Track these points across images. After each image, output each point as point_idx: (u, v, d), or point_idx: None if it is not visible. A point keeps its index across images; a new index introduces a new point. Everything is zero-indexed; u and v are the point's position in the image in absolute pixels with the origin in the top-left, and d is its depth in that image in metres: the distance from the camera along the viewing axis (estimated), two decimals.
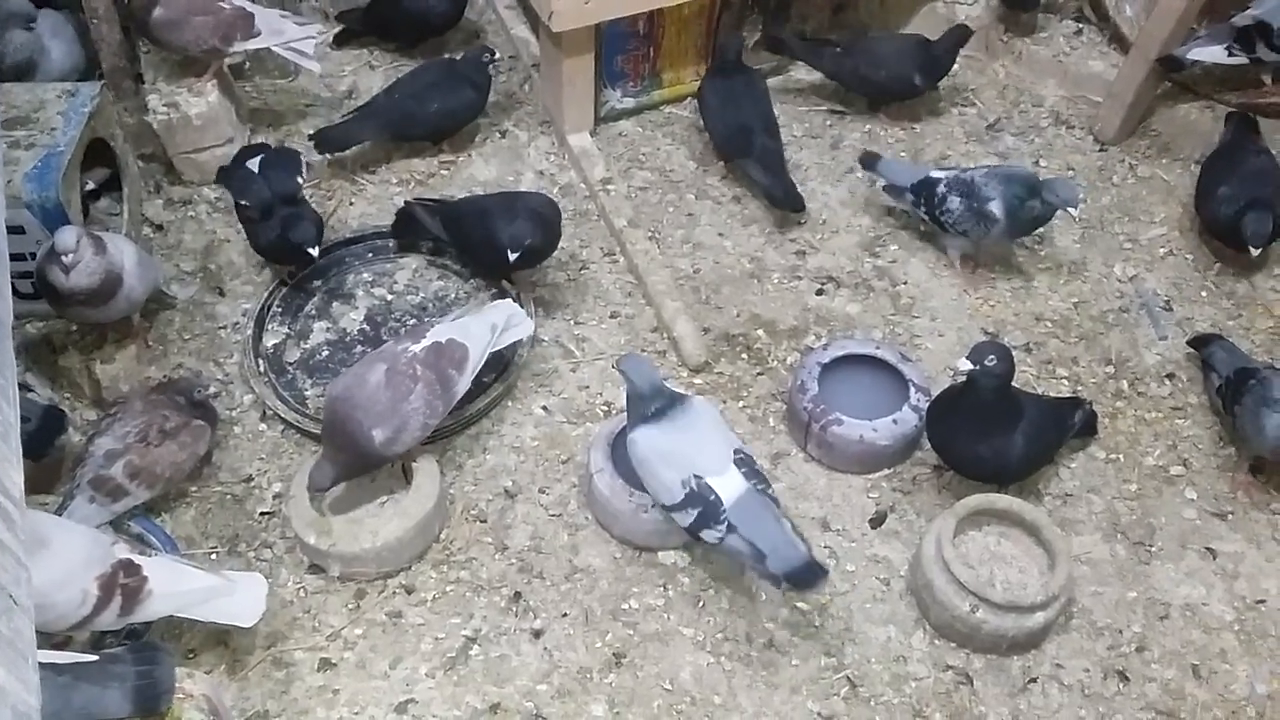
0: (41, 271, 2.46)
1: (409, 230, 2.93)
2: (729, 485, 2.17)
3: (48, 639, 2.03)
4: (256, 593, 2.12)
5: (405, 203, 2.92)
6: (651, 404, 2.23)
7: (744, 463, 2.21)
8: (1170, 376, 2.75)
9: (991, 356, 2.26)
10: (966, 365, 2.27)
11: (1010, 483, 2.43)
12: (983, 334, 2.83)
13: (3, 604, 1.01)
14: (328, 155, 3.18)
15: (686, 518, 2.18)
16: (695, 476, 2.17)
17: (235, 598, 2.08)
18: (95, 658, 1.67)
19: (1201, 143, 3.25)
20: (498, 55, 3.19)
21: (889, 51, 3.34)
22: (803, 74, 3.54)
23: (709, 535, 2.17)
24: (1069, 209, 2.74)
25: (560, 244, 2.79)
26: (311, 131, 3.17)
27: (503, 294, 2.83)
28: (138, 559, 2.02)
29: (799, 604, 2.32)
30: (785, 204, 3.05)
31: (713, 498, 2.15)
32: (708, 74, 3.25)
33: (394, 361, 2.34)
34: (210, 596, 2.07)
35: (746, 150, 3.08)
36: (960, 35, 3.30)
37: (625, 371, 2.26)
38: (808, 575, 2.12)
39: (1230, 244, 2.92)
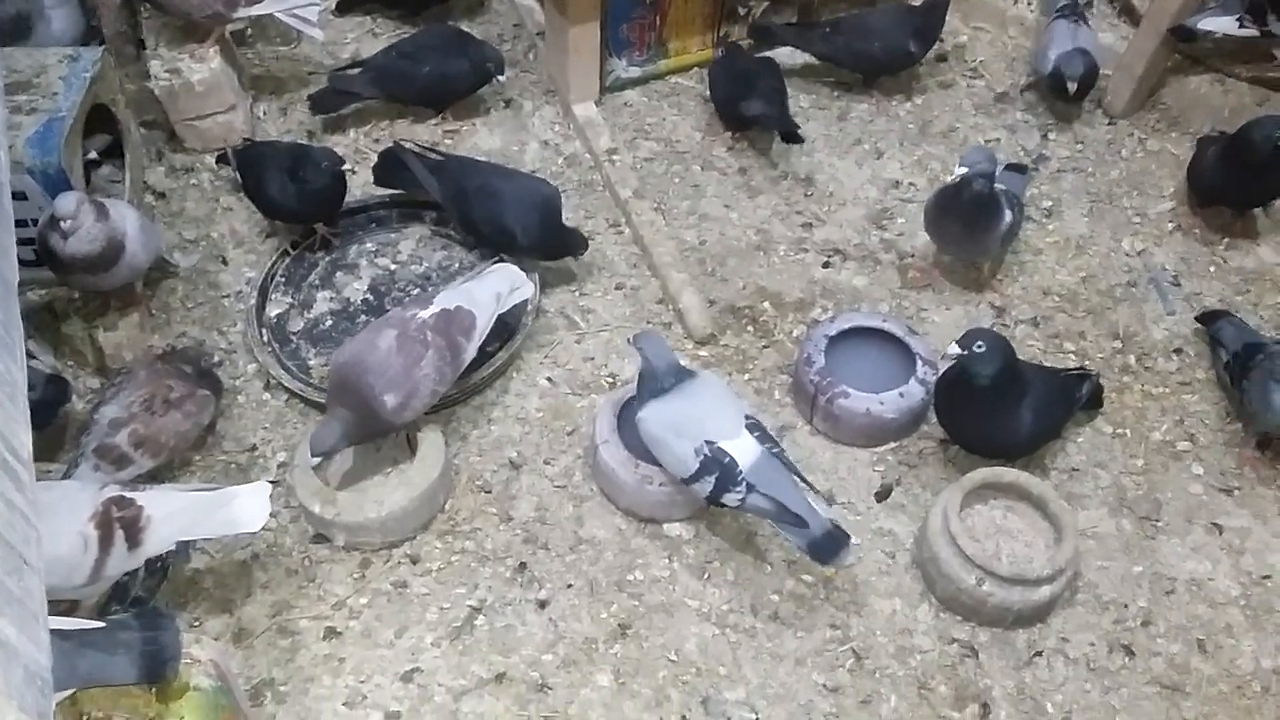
0: (43, 237, 2.44)
1: (393, 176, 2.88)
2: (743, 448, 2.17)
3: (55, 605, 2.03)
4: (258, 499, 2.06)
5: (394, 143, 2.88)
6: (663, 381, 2.23)
7: (755, 427, 2.21)
8: (1178, 351, 2.74)
9: (980, 343, 2.25)
10: (955, 350, 2.27)
11: (1018, 458, 2.42)
12: (990, 308, 2.81)
13: (13, 563, 1.00)
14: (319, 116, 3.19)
15: (705, 486, 2.17)
16: (708, 442, 2.16)
17: (236, 507, 2.05)
18: (103, 624, 1.67)
19: (1211, 116, 3.23)
20: (504, 77, 3.17)
21: (879, 23, 3.30)
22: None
23: (730, 499, 2.16)
24: None
25: (564, 215, 2.78)
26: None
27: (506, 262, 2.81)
28: (129, 493, 2.01)
29: (804, 576, 2.32)
30: (785, 136, 3.07)
31: (727, 460, 2.15)
32: (714, 62, 3.26)
33: (404, 327, 2.32)
34: (212, 510, 2.04)
35: (747, 93, 3.08)
36: None
37: (642, 349, 2.25)
38: (828, 544, 2.13)
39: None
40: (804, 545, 2.16)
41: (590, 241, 2.86)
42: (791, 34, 3.36)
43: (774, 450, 2.20)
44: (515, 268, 2.63)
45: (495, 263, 2.71)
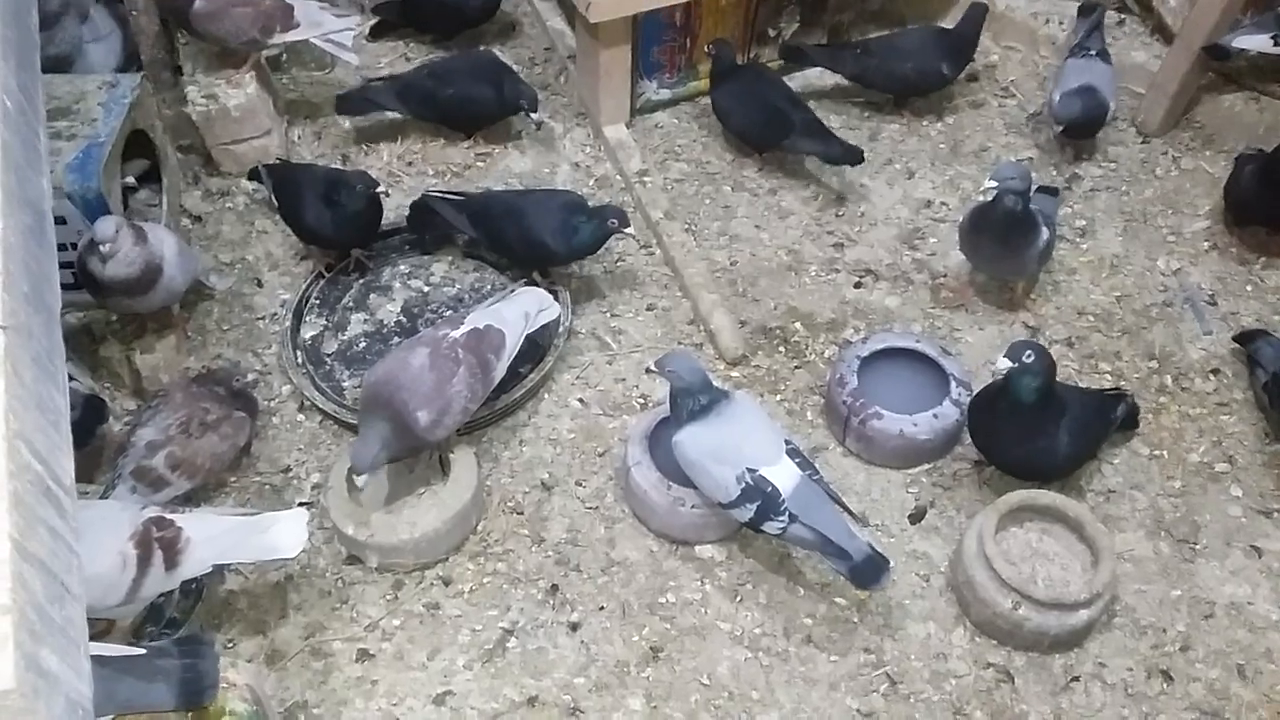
0: (82, 261, 2.48)
1: (427, 223, 2.92)
2: (784, 475, 2.16)
3: (92, 625, 2.05)
4: (296, 525, 2.08)
5: (421, 196, 2.91)
6: (699, 398, 2.22)
7: (795, 453, 2.21)
8: (1215, 372, 2.71)
9: (1029, 353, 2.23)
10: (1005, 363, 2.24)
11: (1054, 480, 2.40)
12: (1024, 328, 2.79)
13: (55, 591, 1.01)
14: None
15: (745, 513, 2.17)
16: (749, 470, 2.15)
17: (274, 532, 2.07)
18: (142, 651, 1.68)
19: (1246, 134, 3.21)
20: (538, 115, 3.14)
21: (911, 44, 3.30)
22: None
23: (771, 527, 2.16)
24: None
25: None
26: (347, 122, 3.19)
27: (534, 284, 2.83)
28: (169, 515, 2.03)
29: (837, 599, 2.30)
30: (846, 158, 3.04)
31: (770, 489, 2.14)
32: (712, 87, 3.22)
33: (436, 346, 2.34)
34: (249, 535, 2.07)
35: (786, 130, 3.07)
36: (978, 13, 3.24)
37: (673, 370, 2.23)
38: (869, 570, 2.14)
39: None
40: (845, 571, 2.15)
41: (621, 263, 2.86)
42: (823, 55, 3.36)
43: (814, 476, 2.19)
44: (542, 290, 2.64)
45: (523, 284, 2.72)
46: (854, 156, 3.03)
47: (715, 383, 2.33)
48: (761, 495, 2.14)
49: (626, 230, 2.69)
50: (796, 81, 3.41)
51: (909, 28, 3.50)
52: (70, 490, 1.13)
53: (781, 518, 2.13)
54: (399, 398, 2.25)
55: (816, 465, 2.27)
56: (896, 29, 3.54)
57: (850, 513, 2.22)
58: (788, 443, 2.22)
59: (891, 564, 2.16)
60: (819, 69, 3.40)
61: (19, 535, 0.95)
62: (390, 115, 3.31)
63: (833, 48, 3.41)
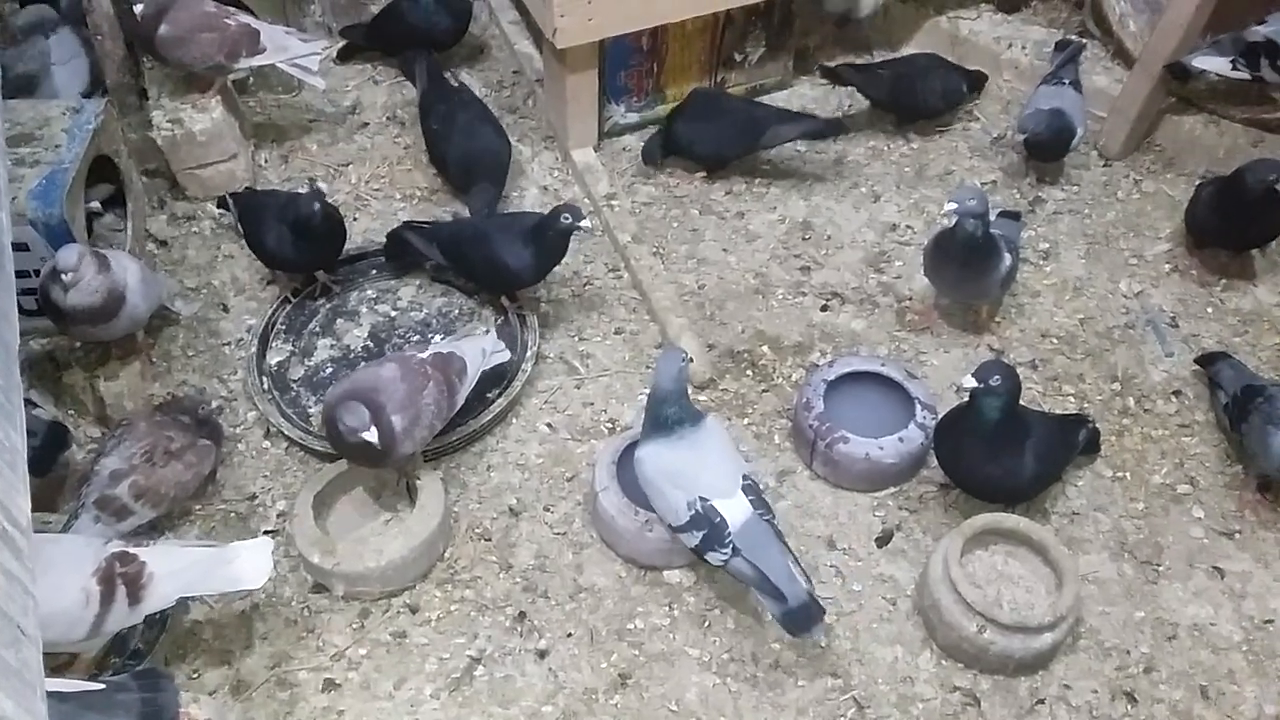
0: (44, 289, 2.46)
1: (403, 253, 2.92)
2: (735, 509, 2.17)
3: (55, 658, 2.03)
4: (261, 556, 2.07)
5: (397, 227, 2.92)
6: (668, 408, 2.23)
7: (751, 489, 2.21)
8: (1177, 394, 2.74)
9: (996, 376, 2.25)
10: (970, 383, 2.26)
11: (1020, 501, 2.42)
12: (988, 350, 2.82)
13: (10, 635, 1.00)
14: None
15: (692, 539, 2.18)
16: (701, 499, 2.16)
17: (239, 564, 2.06)
18: (102, 686, 1.66)
19: (1206, 157, 3.25)
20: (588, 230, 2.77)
21: (933, 69, 3.37)
22: (805, 89, 3.55)
23: (714, 558, 2.16)
24: None
25: (564, 260, 2.78)
26: (314, 145, 3.18)
27: (505, 312, 2.82)
28: (132, 549, 2.01)
29: None
30: (830, 130, 3.21)
31: (718, 520, 2.15)
32: (669, 127, 3.22)
33: (404, 361, 2.36)
34: (214, 567, 2.05)
35: (763, 125, 3.13)
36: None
37: (657, 366, 2.25)
38: (803, 617, 2.12)
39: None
40: (778, 614, 2.14)
41: (589, 286, 2.87)
42: (858, 77, 3.40)
43: (765, 516, 2.19)
44: (495, 336, 2.65)
45: (497, 320, 2.78)
46: (837, 127, 3.17)
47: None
48: (709, 525, 2.15)
49: (582, 225, 2.63)
50: (786, 93, 3.52)
51: (918, 53, 3.56)
52: (26, 530, 1.12)
53: (725, 550, 2.14)
54: (376, 400, 2.23)
55: (782, 486, 2.27)
56: (885, 54, 3.63)
57: (795, 559, 2.19)
58: (747, 478, 2.22)
59: (826, 615, 2.15)
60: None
61: None
62: (359, 139, 3.32)
63: (864, 69, 3.46)
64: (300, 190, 3.04)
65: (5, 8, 3.34)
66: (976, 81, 3.43)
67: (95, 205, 2.81)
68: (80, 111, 2.78)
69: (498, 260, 2.69)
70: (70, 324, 2.50)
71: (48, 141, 2.69)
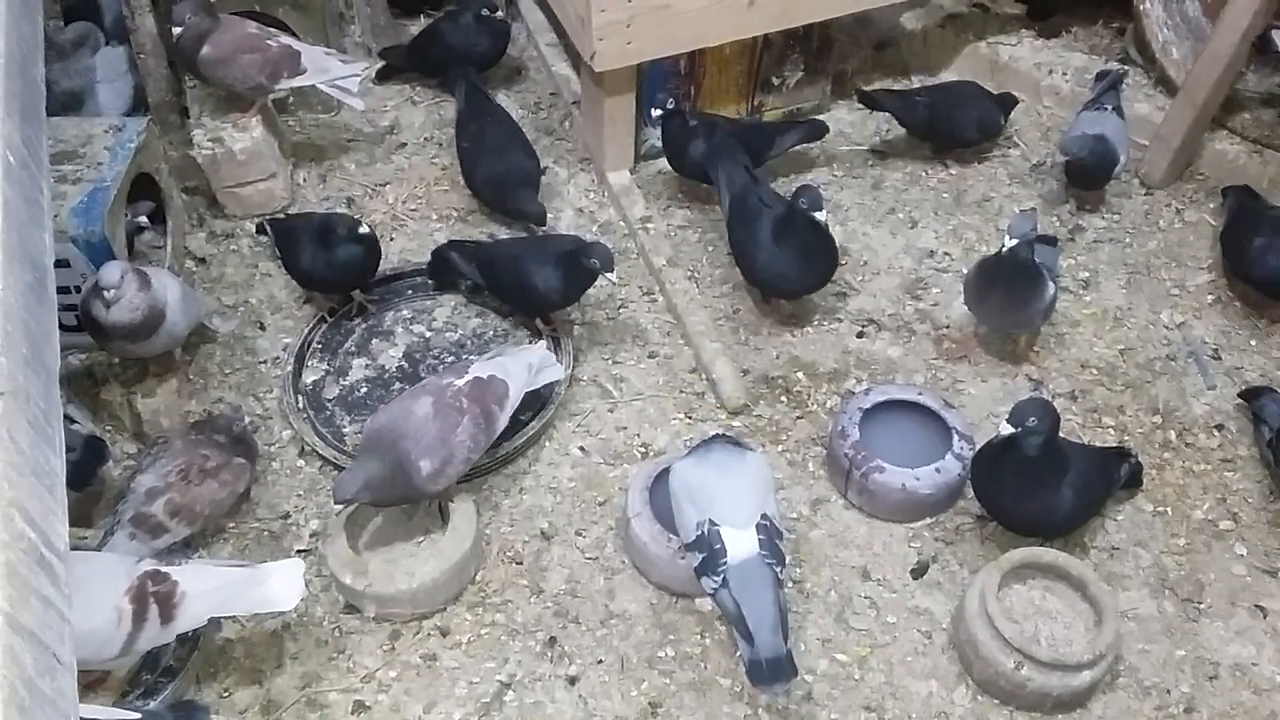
0: (85, 305, 2.48)
1: (445, 272, 2.94)
2: (740, 543, 2.11)
3: (87, 675, 2.04)
4: (292, 577, 2.07)
5: (441, 245, 2.94)
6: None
7: (766, 531, 2.14)
8: (1219, 428, 2.70)
9: (1032, 418, 2.22)
10: (1007, 429, 2.24)
11: (1058, 536, 2.39)
12: (1027, 380, 2.79)
13: (46, 663, 1.00)
14: None
15: (694, 559, 2.15)
16: (711, 522, 2.14)
17: (271, 585, 2.06)
18: (138, 716, 1.66)
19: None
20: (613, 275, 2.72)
21: (971, 99, 3.34)
22: (842, 113, 3.53)
23: (705, 583, 2.12)
24: None
25: (597, 283, 2.77)
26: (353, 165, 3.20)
27: (539, 334, 2.82)
28: (164, 568, 2.02)
29: (838, 655, 2.28)
30: (822, 130, 3.27)
31: (718, 547, 2.11)
32: (675, 158, 3.18)
33: (440, 395, 2.33)
34: (246, 588, 2.06)
35: (771, 137, 3.18)
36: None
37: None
38: (770, 670, 2.02)
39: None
40: (746, 660, 2.06)
41: (623, 310, 2.86)
42: (895, 103, 3.37)
43: (769, 561, 2.10)
44: (546, 349, 2.64)
45: (531, 341, 2.76)
46: (823, 127, 3.27)
47: (715, 431, 2.31)
48: (709, 549, 2.12)
49: (608, 276, 2.63)
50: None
51: (956, 80, 3.54)
52: (64, 555, 1.12)
53: (716, 578, 2.09)
54: (402, 446, 2.24)
55: (784, 555, 2.16)
56: (924, 79, 3.63)
57: (784, 622, 2.07)
58: (767, 519, 2.15)
59: (796, 677, 2.06)
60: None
61: (10, 608, 0.95)
62: (396, 159, 3.34)
63: (902, 95, 3.43)
64: (337, 210, 3.07)
65: (51, 24, 3.39)
66: (1008, 105, 3.39)
67: (142, 219, 2.84)
68: (123, 129, 2.81)
69: (527, 282, 2.70)
70: (110, 340, 2.52)
71: (90, 159, 2.71)
